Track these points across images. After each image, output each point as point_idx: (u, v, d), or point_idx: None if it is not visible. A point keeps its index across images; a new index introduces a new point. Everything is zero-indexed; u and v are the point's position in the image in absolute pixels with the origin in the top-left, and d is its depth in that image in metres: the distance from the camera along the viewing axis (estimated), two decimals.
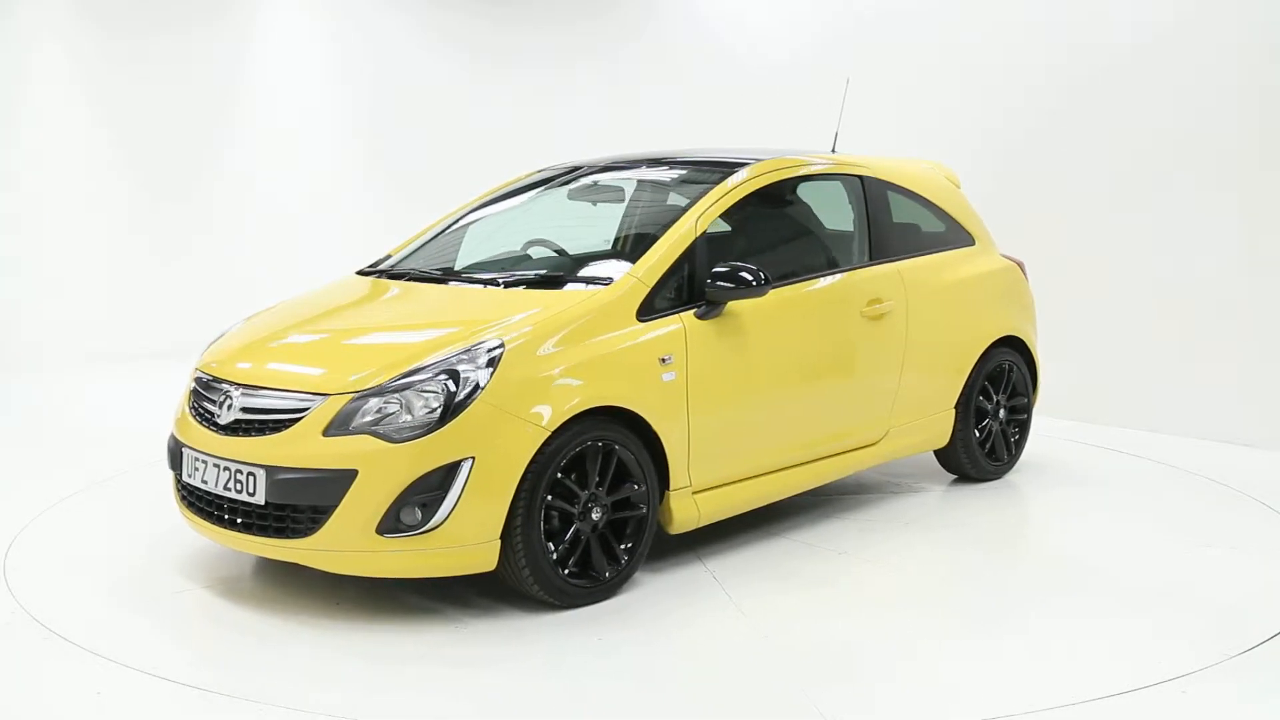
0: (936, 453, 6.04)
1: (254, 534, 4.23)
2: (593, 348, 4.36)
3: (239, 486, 4.21)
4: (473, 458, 4.02)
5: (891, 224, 5.67)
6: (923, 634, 4.18)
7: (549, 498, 4.18)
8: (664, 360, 4.52)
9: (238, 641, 4.10)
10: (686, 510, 4.66)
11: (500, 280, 4.85)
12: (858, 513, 5.57)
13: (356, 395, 4.11)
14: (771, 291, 4.86)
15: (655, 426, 4.46)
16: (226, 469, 4.26)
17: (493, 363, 4.14)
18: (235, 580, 4.65)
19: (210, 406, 4.48)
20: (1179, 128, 7.28)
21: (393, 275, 5.28)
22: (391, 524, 4.01)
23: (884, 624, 4.26)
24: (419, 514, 4.02)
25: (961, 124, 8.21)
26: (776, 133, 8.52)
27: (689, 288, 4.71)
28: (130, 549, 5.06)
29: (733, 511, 4.94)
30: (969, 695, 3.66)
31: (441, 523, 4.01)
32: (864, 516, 5.51)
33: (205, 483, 4.35)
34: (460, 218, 5.73)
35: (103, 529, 5.32)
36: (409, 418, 4.04)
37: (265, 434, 4.21)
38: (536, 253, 5.41)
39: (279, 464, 4.11)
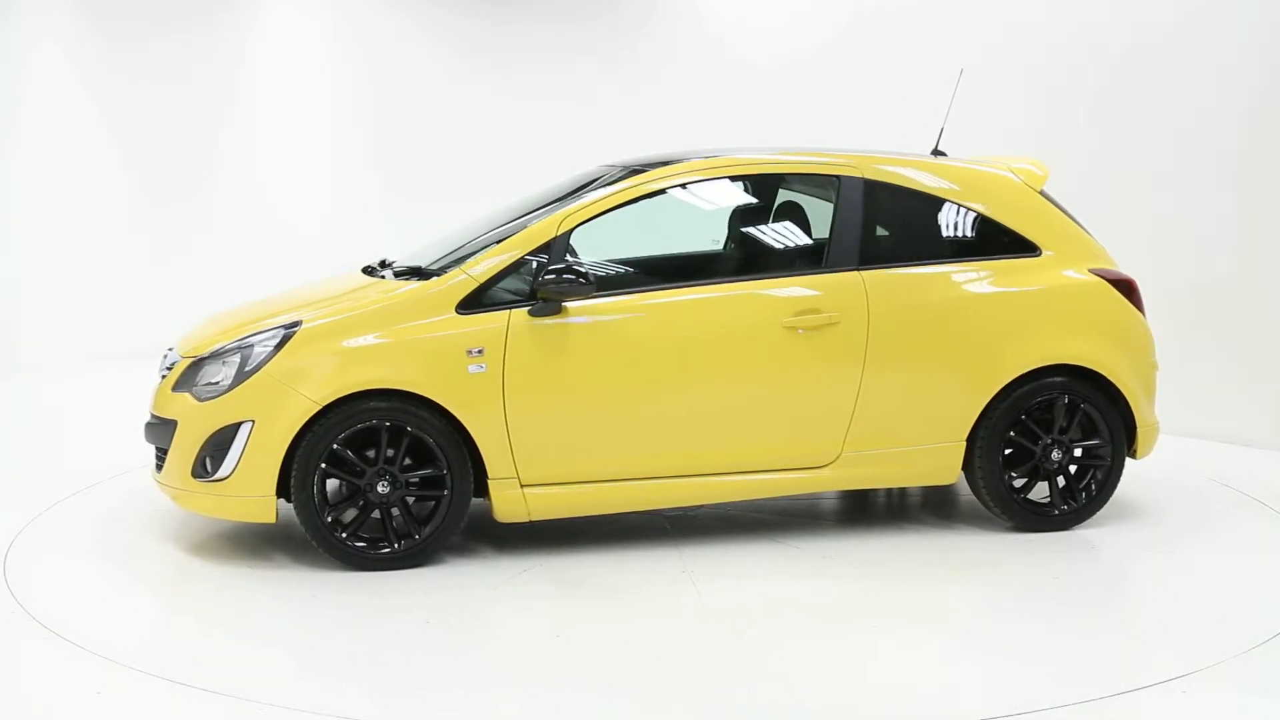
0: (976, 494, 5.31)
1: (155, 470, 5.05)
2: (395, 334, 4.70)
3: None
4: (252, 421, 4.61)
5: (868, 228, 5.14)
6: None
7: (323, 465, 4.62)
8: (471, 352, 4.67)
9: (239, 641, 4.11)
10: (511, 502, 4.79)
11: (391, 273, 5.16)
12: (802, 541, 5.12)
13: (193, 360, 4.86)
14: (647, 295, 4.90)
15: (458, 415, 4.67)
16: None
17: (284, 340, 4.69)
18: (237, 581, 4.66)
19: None
20: (1179, 127, 7.28)
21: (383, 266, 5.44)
22: (199, 470, 4.73)
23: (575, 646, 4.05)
24: (211, 465, 4.68)
25: (959, 124, 8.21)
26: (776, 132, 8.51)
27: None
28: (130, 549, 5.07)
29: (577, 511, 4.93)
30: (967, 697, 3.66)
31: (229, 475, 4.65)
32: (799, 543, 5.09)
33: None
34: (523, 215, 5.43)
35: (103, 529, 5.32)
36: (218, 383, 4.72)
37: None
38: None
39: (151, 410, 5.01)
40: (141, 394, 5.59)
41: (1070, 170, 7.71)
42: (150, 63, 10.39)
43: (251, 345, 4.74)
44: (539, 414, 4.75)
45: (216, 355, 4.80)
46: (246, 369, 4.68)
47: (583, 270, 4.73)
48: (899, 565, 4.89)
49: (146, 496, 5.74)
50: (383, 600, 4.44)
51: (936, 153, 5.74)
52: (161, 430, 4.88)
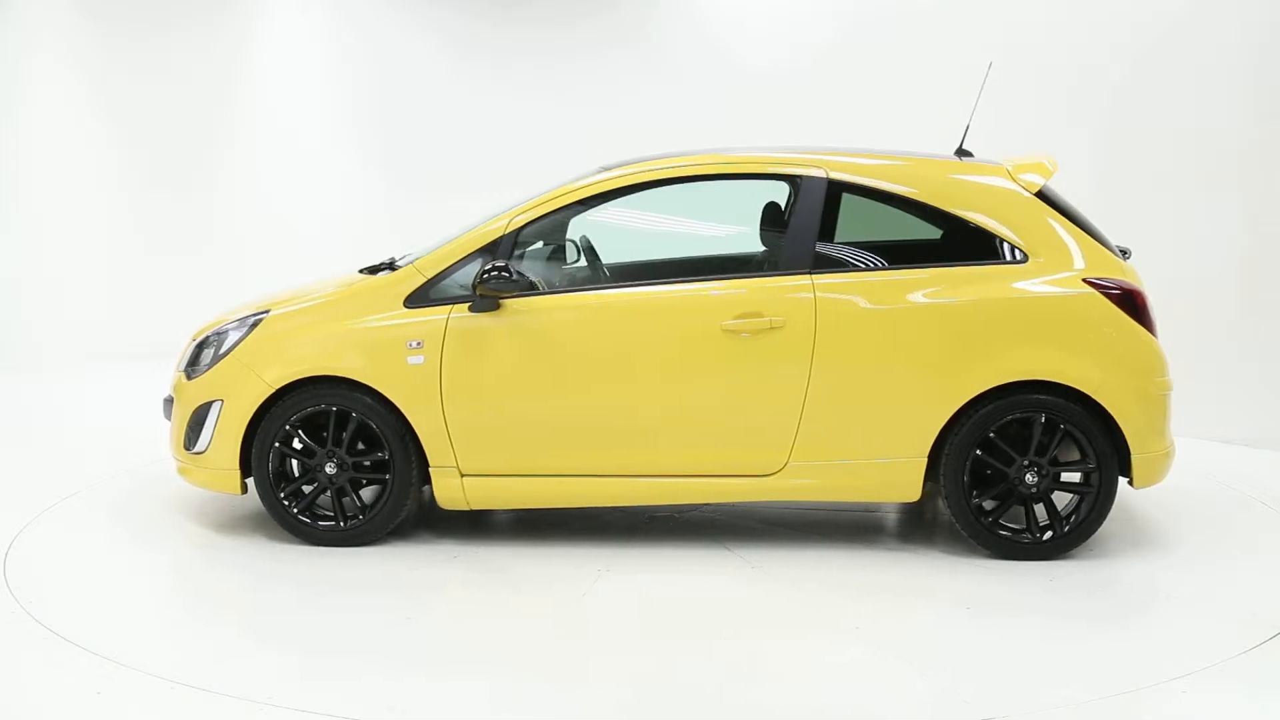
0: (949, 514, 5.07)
1: None
2: (346, 325, 4.97)
3: None
4: (222, 400, 4.99)
5: (825, 230, 4.97)
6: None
7: (276, 444, 4.97)
8: (411, 344, 4.87)
9: (239, 640, 4.10)
10: (450, 490, 4.98)
11: (383, 268, 5.32)
12: (748, 550, 4.99)
13: (195, 343, 5.28)
14: (585, 295, 5.01)
15: (397, 403, 4.90)
16: None
17: (253, 327, 5.06)
18: (236, 579, 4.67)
19: None
20: (1180, 126, 7.28)
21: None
22: (189, 443, 5.13)
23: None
24: (193, 439, 5.09)
25: (957, 124, 8.21)
26: (776, 132, 8.51)
27: None
28: (130, 549, 5.08)
29: (515, 504, 5.06)
30: (968, 695, 3.66)
31: (205, 449, 5.06)
32: (743, 552, 4.97)
33: None
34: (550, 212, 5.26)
35: (102, 529, 5.33)
36: (204, 364, 5.12)
37: None
38: (569, 248, 5.64)
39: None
40: (141, 394, 5.66)
41: (1070, 167, 7.73)
42: (150, 63, 10.40)
43: (227, 331, 5.14)
44: (475, 406, 4.89)
45: (209, 339, 5.19)
46: (220, 352, 5.09)
47: (507, 268, 4.80)
48: (832, 574, 4.74)
49: (145, 496, 5.76)
50: (292, 571, 4.76)
51: (962, 152, 5.48)
52: (168, 406, 5.33)
